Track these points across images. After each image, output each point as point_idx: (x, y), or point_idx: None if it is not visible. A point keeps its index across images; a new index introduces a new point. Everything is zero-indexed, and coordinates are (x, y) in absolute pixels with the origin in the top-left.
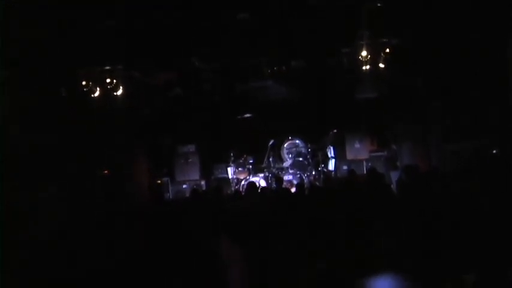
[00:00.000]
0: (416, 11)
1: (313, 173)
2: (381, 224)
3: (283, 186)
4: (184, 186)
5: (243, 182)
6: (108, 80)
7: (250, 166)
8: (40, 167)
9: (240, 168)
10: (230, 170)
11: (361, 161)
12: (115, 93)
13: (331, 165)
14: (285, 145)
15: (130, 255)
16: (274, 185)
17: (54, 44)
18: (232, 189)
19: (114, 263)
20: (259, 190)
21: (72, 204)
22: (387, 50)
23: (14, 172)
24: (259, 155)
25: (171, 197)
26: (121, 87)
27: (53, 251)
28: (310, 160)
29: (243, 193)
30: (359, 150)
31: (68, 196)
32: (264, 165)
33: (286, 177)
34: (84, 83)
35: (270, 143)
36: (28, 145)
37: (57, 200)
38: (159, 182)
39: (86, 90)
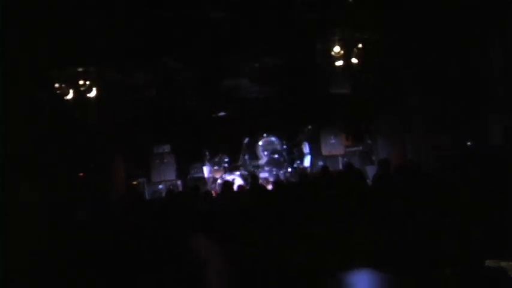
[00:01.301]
0: (391, 4)
1: (289, 169)
2: (357, 218)
3: (259, 183)
4: (160, 186)
5: (219, 181)
6: (81, 82)
7: (226, 164)
8: (15, 170)
9: (215, 167)
10: (206, 169)
11: (336, 156)
12: (88, 95)
13: (307, 161)
14: (260, 143)
15: (107, 255)
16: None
17: (27, 45)
18: (209, 188)
19: (90, 263)
20: (235, 188)
21: (48, 206)
22: (360, 45)
23: None
24: (234, 153)
25: (147, 197)
26: (94, 88)
27: (32, 252)
28: (285, 157)
29: (218, 192)
30: (334, 146)
31: (44, 198)
32: (239, 163)
33: (262, 175)
34: (56, 85)
35: (245, 140)
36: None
37: (33, 203)
38: (135, 183)
39: (58, 93)
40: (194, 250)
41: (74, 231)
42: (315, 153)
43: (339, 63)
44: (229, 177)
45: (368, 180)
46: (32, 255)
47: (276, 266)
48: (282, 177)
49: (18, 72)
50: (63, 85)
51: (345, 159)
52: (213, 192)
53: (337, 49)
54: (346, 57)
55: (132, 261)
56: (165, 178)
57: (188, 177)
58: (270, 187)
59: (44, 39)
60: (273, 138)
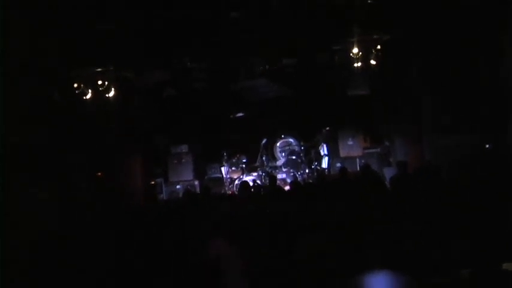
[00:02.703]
0: (408, 6)
1: (307, 171)
2: (374, 220)
3: (277, 184)
4: (177, 186)
5: (236, 182)
6: (99, 82)
7: (244, 165)
8: (32, 169)
9: (233, 168)
10: (223, 170)
11: (354, 158)
12: (107, 95)
13: (325, 162)
14: (278, 144)
15: (124, 257)
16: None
17: (46, 46)
18: (226, 188)
19: (106, 266)
20: (252, 189)
21: (65, 206)
22: (378, 47)
23: (9, 173)
24: (252, 154)
25: (165, 197)
26: (113, 88)
27: (47, 253)
28: (303, 158)
29: (236, 192)
30: (352, 147)
31: (61, 198)
32: (257, 164)
33: (279, 176)
34: (75, 85)
35: (263, 141)
36: (20, 147)
37: (50, 202)
38: (152, 183)
39: (77, 93)
40: (213, 253)
41: (83, 231)
42: (333, 154)
43: (357, 64)
44: (246, 178)
45: (386, 182)
46: (34, 255)
47: (292, 268)
48: (299, 178)
49: (34, 73)
50: (82, 85)
51: (363, 160)
52: (229, 192)
53: (355, 50)
54: (364, 59)
55: (145, 264)
56: (183, 178)
57: (206, 177)
58: (287, 188)
59: (61, 40)
60: (290, 139)
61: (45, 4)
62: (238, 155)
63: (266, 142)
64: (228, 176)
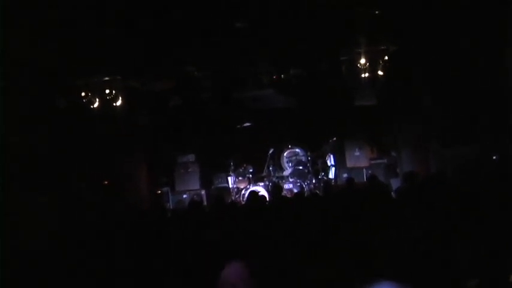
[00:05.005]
0: (414, 16)
1: (313, 181)
2: (380, 230)
3: (283, 194)
4: (184, 196)
5: (243, 191)
6: (107, 91)
7: (250, 175)
8: (40, 177)
9: (240, 178)
10: (230, 179)
11: (361, 168)
12: (114, 104)
13: (331, 173)
14: (285, 154)
15: (129, 267)
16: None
17: (53, 55)
18: (233, 198)
19: (111, 275)
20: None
21: (71, 213)
22: (385, 58)
23: (14, 179)
24: (259, 163)
25: (171, 207)
26: (120, 97)
27: (49, 259)
28: (310, 168)
29: (242, 202)
30: (359, 158)
31: (67, 206)
32: (264, 174)
33: (286, 186)
34: (83, 94)
35: (270, 151)
36: (27, 154)
37: (56, 210)
38: (159, 192)
39: (85, 101)
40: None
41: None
42: (340, 165)
43: (364, 75)
44: (253, 188)
45: (392, 193)
46: (35, 255)
47: (296, 279)
48: (306, 188)
49: (36, 75)
50: (89, 94)
51: (369, 171)
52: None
53: (362, 61)
54: (371, 69)
55: (149, 274)
56: (189, 187)
57: (212, 187)
58: None
59: (69, 48)
60: (297, 150)
61: (49, 7)
62: (245, 165)
63: (273, 152)
64: (234, 185)
